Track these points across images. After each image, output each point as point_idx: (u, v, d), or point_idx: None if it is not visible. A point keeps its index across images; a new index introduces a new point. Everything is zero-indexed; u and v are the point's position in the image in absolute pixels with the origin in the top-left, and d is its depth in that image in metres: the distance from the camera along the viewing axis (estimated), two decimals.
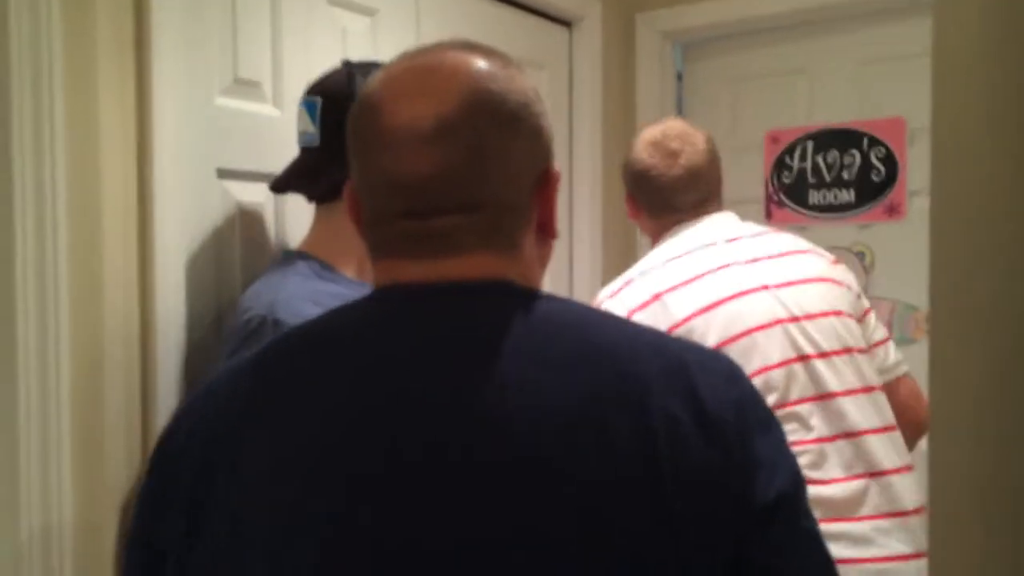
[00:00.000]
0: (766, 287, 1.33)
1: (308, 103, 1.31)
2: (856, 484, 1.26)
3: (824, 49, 2.47)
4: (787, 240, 1.43)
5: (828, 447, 1.26)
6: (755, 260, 1.37)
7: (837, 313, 1.34)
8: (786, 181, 2.56)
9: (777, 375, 1.27)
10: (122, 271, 1.30)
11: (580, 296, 2.25)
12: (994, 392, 0.93)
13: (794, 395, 1.26)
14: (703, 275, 1.34)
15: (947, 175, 0.95)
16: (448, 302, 0.66)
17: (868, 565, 1.23)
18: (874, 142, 2.39)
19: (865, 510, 1.25)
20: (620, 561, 0.59)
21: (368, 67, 1.29)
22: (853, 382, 1.31)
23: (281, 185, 1.37)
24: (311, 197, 1.36)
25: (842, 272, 1.43)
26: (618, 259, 2.42)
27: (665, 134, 1.45)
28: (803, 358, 1.29)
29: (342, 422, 0.62)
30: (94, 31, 1.24)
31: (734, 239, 1.40)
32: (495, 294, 0.67)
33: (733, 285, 1.33)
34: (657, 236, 1.48)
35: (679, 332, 1.28)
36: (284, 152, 1.56)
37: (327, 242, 1.33)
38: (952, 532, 0.96)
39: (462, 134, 0.65)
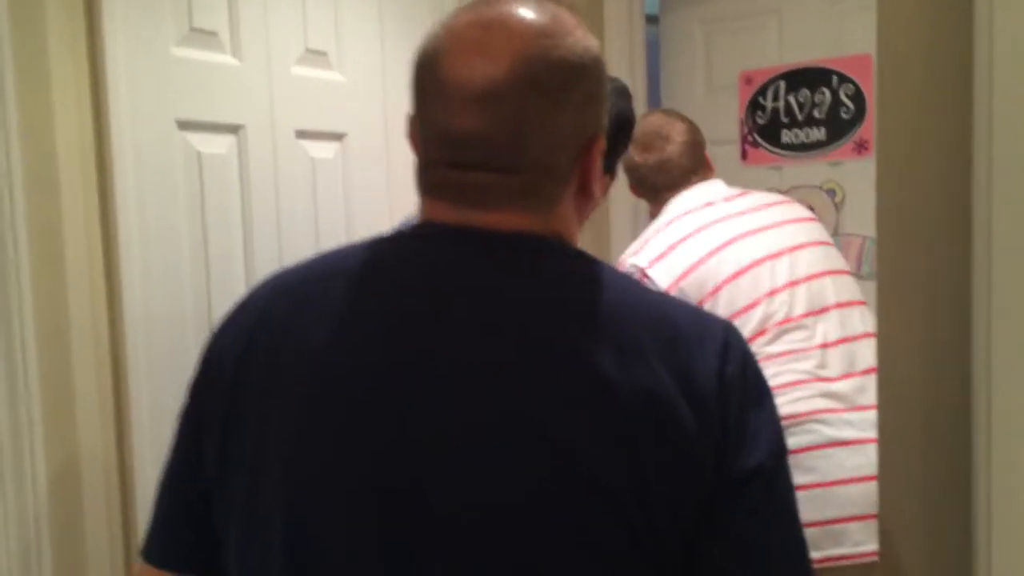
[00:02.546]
0: (764, 228, 1.58)
1: None
2: (857, 380, 1.46)
3: None
4: (768, 195, 1.71)
5: (831, 351, 1.48)
6: (751, 210, 1.63)
7: (824, 243, 1.61)
8: (760, 121, 2.56)
9: (784, 295, 1.51)
10: (83, 226, 1.30)
11: None
12: (937, 319, 0.96)
13: (799, 310, 1.50)
14: (708, 225, 1.59)
15: (891, 111, 0.97)
16: (475, 246, 0.70)
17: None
18: (843, 79, 2.38)
19: (869, 400, 1.40)
20: (585, 488, 0.62)
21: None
22: (846, 296, 1.55)
23: None
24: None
25: (815, 215, 1.72)
26: None
27: (643, 131, 1.70)
28: (806, 279, 1.54)
29: (361, 330, 0.68)
30: None
31: (729, 198, 1.65)
32: (518, 246, 0.70)
33: (737, 229, 1.58)
34: (655, 211, 1.73)
35: (696, 273, 1.51)
36: (246, 102, 1.55)
37: None
38: (900, 456, 0.99)
39: (509, 101, 0.67)
